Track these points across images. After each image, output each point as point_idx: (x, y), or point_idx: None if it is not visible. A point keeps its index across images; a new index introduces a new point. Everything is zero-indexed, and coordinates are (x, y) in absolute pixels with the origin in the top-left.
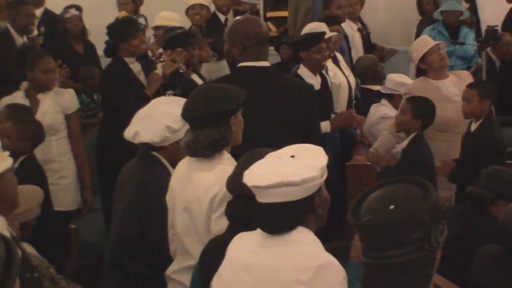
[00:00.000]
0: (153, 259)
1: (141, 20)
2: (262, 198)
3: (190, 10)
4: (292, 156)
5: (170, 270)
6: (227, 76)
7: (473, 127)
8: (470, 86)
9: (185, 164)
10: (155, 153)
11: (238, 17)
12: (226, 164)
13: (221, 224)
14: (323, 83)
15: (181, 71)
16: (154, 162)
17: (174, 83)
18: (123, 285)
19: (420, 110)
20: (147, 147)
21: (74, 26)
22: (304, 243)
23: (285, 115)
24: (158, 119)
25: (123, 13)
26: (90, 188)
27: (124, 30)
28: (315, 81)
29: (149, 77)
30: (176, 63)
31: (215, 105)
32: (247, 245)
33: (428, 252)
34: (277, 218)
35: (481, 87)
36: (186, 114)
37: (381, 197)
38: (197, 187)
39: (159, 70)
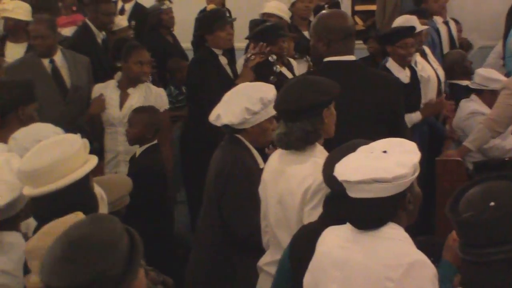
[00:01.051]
0: (239, 245)
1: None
2: (353, 193)
3: (299, 3)
4: (385, 151)
5: (263, 262)
6: (313, 71)
7: None
8: None
9: (277, 157)
10: (239, 136)
11: (323, 12)
12: (319, 156)
13: (313, 216)
14: (412, 76)
15: (271, 60)
16: (237, 143)
17: (265, 75)
18: (211, 271)
19: None
20: (231, 130)
21: (169, 18)
22: (394, 240)
23: (372, 109)
24: (237, 101)
25: (212, 6)
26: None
27: (211, 22)
28: (403, 75)
29: (241, 72)
30: (262, 56)
31: (308, 98)
32: (337, 240)
33: None
34: (367, 214)
35: None
36: (279, 107)
37: (480, 193)
38: (290, 179)
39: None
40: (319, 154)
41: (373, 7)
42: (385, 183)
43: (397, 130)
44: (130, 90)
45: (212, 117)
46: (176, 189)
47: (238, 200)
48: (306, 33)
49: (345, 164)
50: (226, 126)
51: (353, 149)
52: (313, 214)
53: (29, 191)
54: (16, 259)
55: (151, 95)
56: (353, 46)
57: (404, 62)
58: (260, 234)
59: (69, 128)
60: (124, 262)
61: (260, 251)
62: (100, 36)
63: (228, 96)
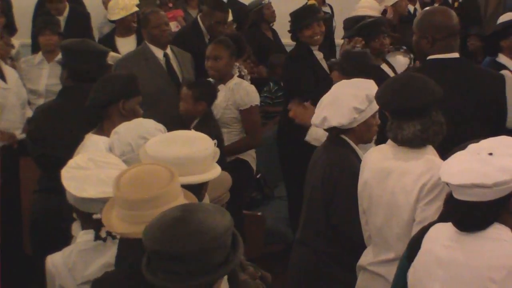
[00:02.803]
0: (340, 240)
1: (326, 9)
2: (456, 194)
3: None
4: (490, 154)
5: (365, 261)
6: (417, 68)
7: None
8: None
9: (377, 155)
10: (343, 136)
11: (427, 8)
12: (430, 154)
13: (426, 212)
14: None
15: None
16: (342, 144)
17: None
18: (311, 265)
19: None
20: (336, 131)
21: (270, 13)
22: (499, 241)
23: (477, 106)
24: (344, 102)
25: (312, 2)
26: None
27: (301, 18)
28: None
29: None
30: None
31: (419, 97)
32: (441, 239)
33: None
34: (468, 216)
35: None
36: (388, 106)
37: None
38: (403, 177)
39: None
40: (430, 151)
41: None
42: (485, 188)
43: (503, 128)
44: (220, 87)
45: (316, 121)
46: (273, 184)
47: (349, 205)
48: None
49: (450, 164)
50: (332, 128)
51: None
52: (426, 210)
53: None
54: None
55: (239, 91)
56: (457, 43)
57: None
58: (356, 225)
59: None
60: (225, 257)
61: (354, 245)
62: (207, 36)
63: (331, 98)
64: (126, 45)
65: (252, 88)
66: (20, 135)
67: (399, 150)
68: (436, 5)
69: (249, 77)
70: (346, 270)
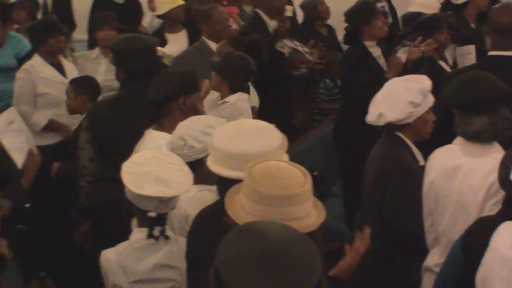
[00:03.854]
0: (390, 238)
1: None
2: None
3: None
4: None
5: (432, 262)
6: (475, 64)
7: None
8: None
9: (443, 154)
10: (398, 133)
11: (495, 6)
12: (498, 152)
13: (494, 211)
14: None
15: (425, 54)
16: (398, 142)
17: (417, 68)
18: (366, 265)
19: None
20: (391, 128)
21: (325, 9)
22: None
23: None
24: (399, 96)
25: None
26: None
27: (364, 14)
28: None
29: (390, 61)
30: (423, 48)
31: (487, 91)
32: (509, 238)
33: None
34: None
35: None
36: (456, 100)
37: None
38: (470, 175)
39: (400, 54)
40: (498, 149)
41: None
42: None
43: None
44: None
45: (372, 117)
46: (330, 181)
47: (400, 199)
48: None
49: None
50: (387, 124)
51: None
52: (494, 209)
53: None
54: (176, 251)
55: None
56: None
57: None
58: (423, 234)
59: None
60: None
61: (421, 251)
62: (271, 25)
63: (385, 93)
64: (177, 41)
65: (254, 91)
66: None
67: (466, 148)
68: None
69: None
70: (401, 269)
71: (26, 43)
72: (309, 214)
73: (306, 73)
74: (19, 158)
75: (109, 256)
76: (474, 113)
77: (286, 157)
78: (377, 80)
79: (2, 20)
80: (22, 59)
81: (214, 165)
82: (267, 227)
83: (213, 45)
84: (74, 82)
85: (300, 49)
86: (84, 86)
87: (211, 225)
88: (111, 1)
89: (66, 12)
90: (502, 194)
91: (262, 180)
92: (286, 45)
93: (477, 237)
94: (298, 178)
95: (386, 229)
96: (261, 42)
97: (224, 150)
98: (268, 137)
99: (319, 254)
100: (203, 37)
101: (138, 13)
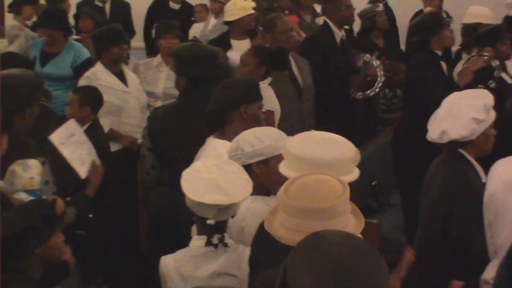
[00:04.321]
0: (458, 257)
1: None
2: None
3: None
4: None
5: (489, 275)
6: None
7: None
8: None
9: (507, 166)
10: (460, 150)
11: None
12: None
13: None
14: None
15: (493, 65)
16: (460, 158)
17: (485, 78)
18: (426, 280)
19: None
20: (454, 145)
21: (383, 20)
22: None
23: None
24: (462, 113)
25: (429, 9)
26: None
27: (434, 24)
28: None
29: (460, 71)
30: (485, 59)
31: None
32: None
33: None
34: None
35: None
36: None
37: None
38: None
39: (467, 64)
40: None
41: None
42: None
43: None
44: None
45: (434, 135)
46: (388, 191)
47: (469, 220)
48: None
49: None
50: (451, 142)
51: None
52: None
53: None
54: (235, 259)
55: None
56: None
57: None
58: (476, 240)
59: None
60: None
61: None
62: (339, 35)
63: (447, 110)
64: (242, 48)
65: (272, 94)
66: (139, 139)
67: None
68: None
69: (382, 77)
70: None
71: (83, 52)
72: (346, 227)
73: (373, 95)
74: (81, 169)
75: (168, 263)
76: None
77: (356, 170)
78: (446, 90)
79: (60, 29)
80: (77, 68)
81: (286, 170)
82: (339, 238)
83: None
84: (79, 92)
85: (373, 62)
86: (88, 97)
87: None
88: (168, 8)
89: (126, 20)
90: None
91: (295, 193)
92: (360, 57)
93: None
94: (335, 190)
95: (452, 246)
96: (284, 51)
97: (298, 154)
98: (342, 146)
99: (387, 271)
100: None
101: (189, 20)
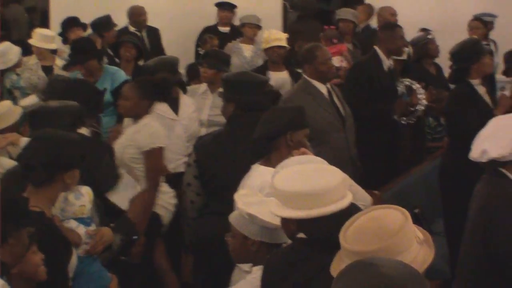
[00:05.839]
0: (501, 272)
1: (490, 43)
2: None
3: None
4: None
5: None
6: None
7: None
8: None
9: None
10: (502, 169)
11: None
12: None
13: None
14: None
15: None
16: (502, 176)
17: None
18: None
19: None
20: (495, 164)
21: (435, 48)
22: None
23: None
24: (504, 133)
25: (474, 37)
26: None
27: (474, 52)
28: None
29: (499, 98)
30: None
31: None
32: None
33: None
34: None
35: None
36: None
37: None
38: None
39: (508, 91)
40: None
41: None
42: None
43: None
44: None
45: (475, 154)
46: (431, 219)
47: (507, 234)
48: None
49: None
50: (491, 161)
51: None
52: None
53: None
54: None
55: (144, 131)
56: None
57: None
58: None
59: None
60: None
61: None
62: (387, 63)
63: (490, 130)
64: (280, 79)
65: (158, 130)
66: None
67: None
68: None
69: (424, 105)
70: None
71: (120, 75)
72: (415, 260)
73: (414, 120)
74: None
75: None
76: None
77: (349, 195)
78: (486, 118)
79: (93, 58)
80: (114, 91)
81: (279, 209)
82: (382, 262)
83: (318, 84)
84: (139, 83)
85: (415, 87)
86: (148, 90)
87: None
88: (217, 31)
89: (158, 46)
90: None
91: (352, 235)
92: (402, 83)
93: None
94: (390, 227)
95: (494, 264)
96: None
97: (287, 190)
98: (328, 174)
99: None
100: (305, 76)
101: None
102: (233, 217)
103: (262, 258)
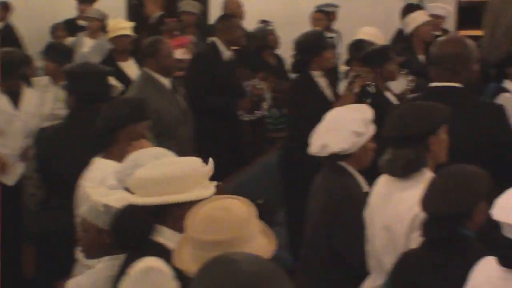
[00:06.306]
0: (342, 266)
1: (332, 35)
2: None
3: (424, 27)
4: None
5: (366, 287)
6: (419, 95)
7: None
8: None
9: (384, 182)
10: (341, 163)
11: (441, 38)
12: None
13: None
14: None
15: (368, 88)
16: (342, 171)
17: (362, 98)
18: None
19: None
20: (335, 158)
21: (275, 39)
22: None
23: (473, 140)
24: (343, 126)
25: (317, 28)
26: None
27: (316, 45)
28: None
29: (341, 95)
30: (363, 78)
31: (410, 126)
32: (490, 277)
33: None
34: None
35: None
36: (386, 133)
37: None
38: (398, 206)
39: (348, 86)
40: (427, 178)
41: (478, 32)
42: None
43: (505, 156)
44: None
45: (315, 149)
46: (274, 210)
47: (351, 231)
48: (420, 57)
49: (502, 199)
50: (331, 154)
51: (453, 175)
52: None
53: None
54: None
55: None
56: (464, 73)
57: None
58: (360, 251)
59: None
60: None
61: (360, 271)
62: (226, 54)
63: (328, 124)
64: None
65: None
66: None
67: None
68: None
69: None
70: None
71: None
72: (258, 250)
73: (259, 116)
74: None
75: (83, 285)
76: (400, 146)
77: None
78: (324, 110)
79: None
80: None
81: (137, 198)
82: (242, 258)
83: (161, 78)
84: None
85: (259, 86)
86: None
87: None
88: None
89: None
90: None
91: (198, 225)
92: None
93: (405, 271)
94: (238, 218)
95: (336, 260)
96: None
97: (146, 176)
98: (188, 162)
99: (289, 285)
100: (147, 69)
101: None
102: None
103: (116, 251)
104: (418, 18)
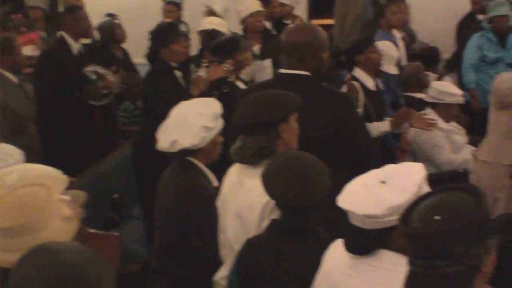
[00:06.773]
0: (198, 263)
1: (182, 27)
2: (354, 221)
3: (250, 18)
4: (383, 182)
5: (219, 276)
6: (268, 80)
7: None
8: None
9: (236, 170)
10: (190, 159)
11: (289, 26)
12: None
13: None
14: (377, 85)
15: (230, 79)
16: (190, 167)
17: (218, 85)
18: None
19: None
20: (184, 153)
21: (122, 33)
22: (393, 272)
23: (314, 122)
24: (193, 122)
25: (169, 20)
26: None
27: (165, 35)
28: (370, 83)
29: (193, 79)
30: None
31: (261, 113)
32: (339, 263)
33: (468, 268)
34: (354, 240)
35: None
36: (236, 121)
37: (431, 205)
38: (249, 194)
39: (202, 72)
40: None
41: (329, 21)
42: (359, 216)
43: (353, 149)
44: None
45: (165, 145)
46: (131, 204)
47: (204, 227)
48: (255, 48)
49: (350, 191)
50: (181, 150)
51: (287, 162)
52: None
53: None
54: None
55: None
56: (312, 61)
57: (378, 66)
58: (214, 245)
59: None
60: None
61: (214, 266)
62: (76, 47)
63: (176, 120)
64: None
65: None
66: None
67: (247, 165)
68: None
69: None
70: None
71: None
72: (59, 234)
73: (107, 102)
74: None
75: None
76: (249, 135)
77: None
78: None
79: None
80: None
81: None
82: (63, 248)
83: (9, 74)
84: None
85: (102, 72)
86: None
87: None
88: None
89: None
90: (277, 213)
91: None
92: (93, 71)
93: (250, 257)
94: (33, 203)
95: (192, 257)
96: None
97: None
98: None
99: (112, 276)
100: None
101: None
102: None
103: None
104: (249, 7)
